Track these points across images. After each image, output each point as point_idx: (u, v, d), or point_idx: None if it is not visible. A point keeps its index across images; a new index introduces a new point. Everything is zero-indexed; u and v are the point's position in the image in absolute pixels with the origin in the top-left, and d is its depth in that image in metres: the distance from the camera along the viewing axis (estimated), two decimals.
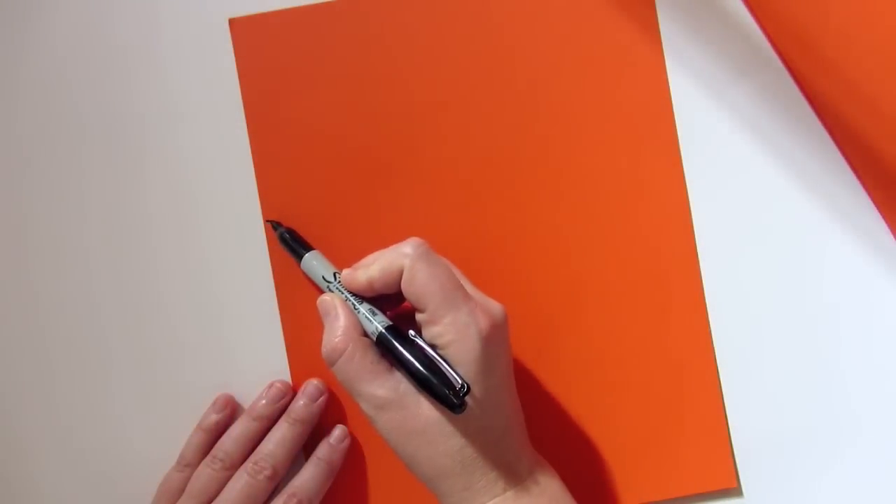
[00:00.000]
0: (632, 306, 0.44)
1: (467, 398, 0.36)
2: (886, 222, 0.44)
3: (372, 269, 0.38)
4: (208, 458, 0.42)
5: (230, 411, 0.43)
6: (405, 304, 0.39)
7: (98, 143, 0.44)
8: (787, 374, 0.44)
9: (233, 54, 0.44)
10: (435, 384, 0.36)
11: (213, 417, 0.43)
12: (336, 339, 0.38)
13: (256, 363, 0.44)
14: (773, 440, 0.44)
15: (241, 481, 0.41)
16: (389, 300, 0.40)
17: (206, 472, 0.42)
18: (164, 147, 0.44)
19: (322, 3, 0.44)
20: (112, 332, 0.44)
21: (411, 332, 0.38)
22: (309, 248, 0.43)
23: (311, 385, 0.43)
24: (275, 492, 0.42)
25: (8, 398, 0.44)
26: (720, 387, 0.44)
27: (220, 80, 0.44)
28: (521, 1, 0.44)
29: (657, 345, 0.44)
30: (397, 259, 0.37)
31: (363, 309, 0.39)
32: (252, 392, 0.44)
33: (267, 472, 0.41)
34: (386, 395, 0.37)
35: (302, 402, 0.43)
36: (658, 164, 0.44)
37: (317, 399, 0.43)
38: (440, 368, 0.36)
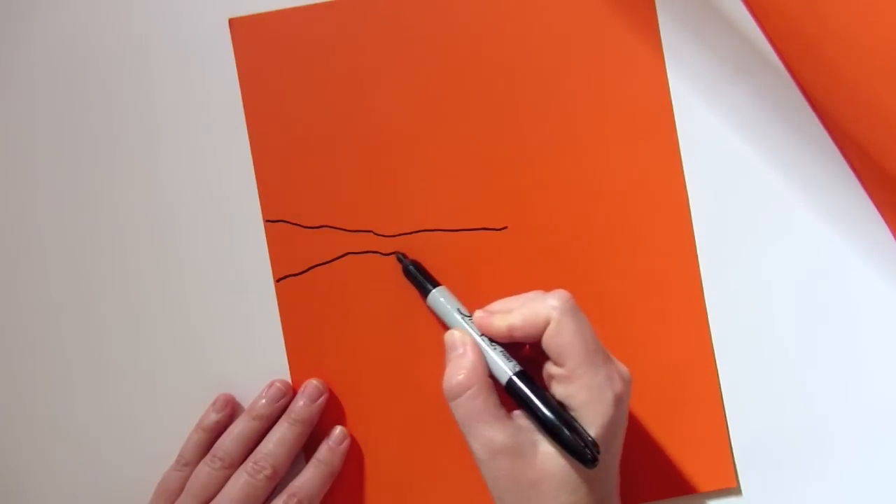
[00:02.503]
0: (632, 306, 0.44)
1: (599, 456, 0.36)
2: (886, 222, 0.44)
3: (513, 316, 0.38)
4: (208, 457, 0.42)
5: (230, 411, 0.44)
6: (524, 352, 0.39)
7: (98, 143, 0.44)
8: (786, 374, 0.44)
9: (233, 54, 0.44)
10: (568, 435, 0.36)
11: (213, 417, 0.43)
12: (461, 376, 0.38)
13: (256, 363, 0.44)
14: (773, 440, 0.44)
15: (240, 480, 0.41)
16: (514, 348, 0.39)
17: (205, 471, 0.42)
18: (164, 147, 0.44)
19: (322, 3, 0.44)
20: (112, 332, 0.44)
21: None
22: (436, 284, 0.42)
23: (311, 385, 0.43)
24: (275, 492, 0.42)
25: (8, 397, 0.44)
26: (720, 387, 0.44)
27: (220, 80, 0.44)
28: (521, 1, 0.44)
29: (657, 345, 0.44)
30: (544, 310, 0.37)
31: (496, 350, 0.39)
32: (252, 392, 0.44)
33: (266, 472, 0.41)
34: (504, 441, 0.37)
35: (302, 402, 0.43)
36: (658, 164, 0.44)
37: (317, 399, 0.43)
38: (572, 422, 0.36)
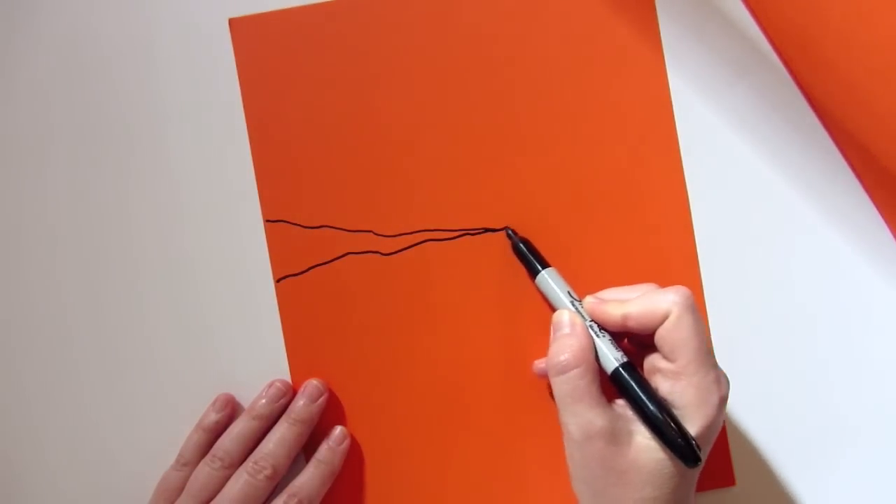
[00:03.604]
0: None
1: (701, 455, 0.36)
2: (886, 222, 0.44)
3: (631, 305, 0.38)
4: (208, 457, 0.42)
5: (230, 411, 0.44)
6: (623, 345, 0.39)
7: (98, 143, 0.44)
8: (785, 373, 0.44)
9: (233, 54, 0.44)
10: (672, 430, 0.36)
11: (213, 417, 0.43)
12: (569, 353, 0.37)
13: (256, 363, 0.44)
14: (773, 440, 0.44)
15: (240, 480, 0.41)
16: (614, 336, 0.39)
17: (205, 471, 0.42)
18: (164, 147, 0.44)
19: (322, 3, 0.44)
20: (111, 332, 0.44)
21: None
22: (546, 264, 0.42)
23: (311, 385, 0.43)
24: (275, 492, 0.42)
25: (8, 397, 0.44)
26: None
27: (220, 80, 0.44)
28: (521, 1, 0.44)
29: None
30: (664, 303, 0.37)
31: (605, 338, 0.39)
32: (252, 392, 0.44)
33: (267, 472, 0.41)
34: (604, 425, 0.36)
35: (302, 402, 0.43)
36: (658, 164, 0.44)
37: (317, 399, 0.43)
38: (676, 418, 0.36)
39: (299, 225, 0.44)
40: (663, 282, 0.43)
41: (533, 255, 0.43)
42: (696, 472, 0.38)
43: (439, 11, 0.44)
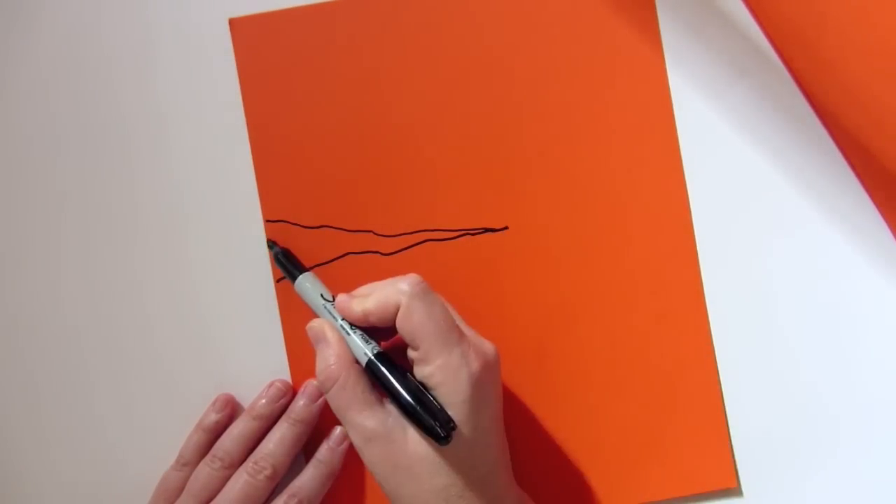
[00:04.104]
0: (632, 306, 0.44)
1: (454, 433, 0.36)
2: (886, 222, 0.44)
3: (368, 301, 0.39)
4: (208, 457, 0.42)
5: (230, 411, 0.44)
6: (398, 336, 0.39)
7: (97, 144, 0.44)
8: (786, 374, 0.44)
9: (233, 54, 0.44)
10: (421, 414, 0.36)
11: (213, 417, 0.43)
12: (330, 366, 0.38)
13: (256, 363, 0.44)
14: (773, 440, 0.44)
15: (240, 480, 0.41)
16: (384, 332, 0.40)
17: (205, 471, 0.42)
18: (164, 147, 0.44)
19: (322, 3, 0.44)
20: (112, 332, 0.44)
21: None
22: (303, 270, 0.43)
23: (311, 385, 0.43)
24: (275, 492, 0.42)
25: (7, 397, 0.44)
26: (720, 387, 0.44)
27: (220, 80, 0.44)
28: (521, 1, 0.44)
29: (657, 345, 0.44)
30: (394, 295, 0.38)
31: (355, 334, 0.39)
32: (252, 392, 0.44)
33: (267, 472, 0.41)
34: (374, 428, 0.37)
35: (302, 403, 0.43)
36: (658, 164, 0.44)
37: (317, 399, 0.43)
38: (427, 401, 0.37)
39: (299, 225, 0.44)
40: (663, 281, 0.43)
41: (291, 263, 0.43)
42: (488, 449, 0.38)
43: (439, 11, 0.44)
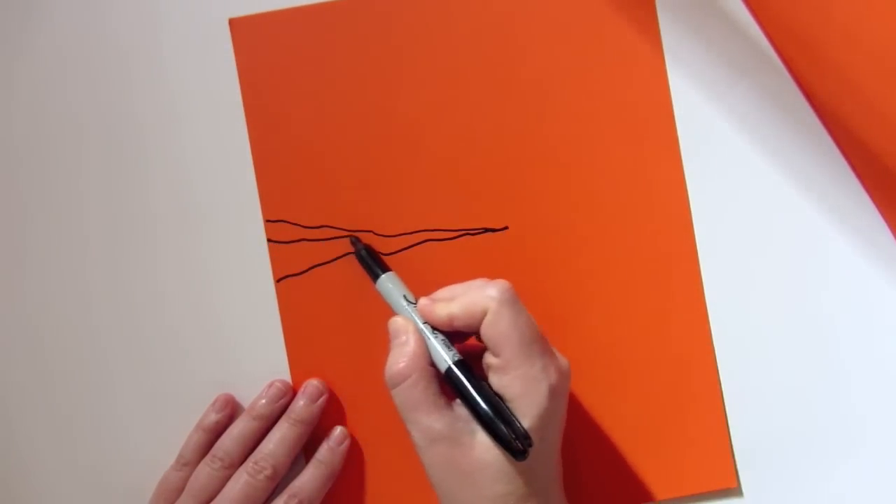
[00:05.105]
0: (632, 306, 0.44)
1: (530, 449, 0.36)
2: (886, 222, 0.44)
3: (454, 305, 0.38)
4: (208, 457, 0.42)
5: (230, 411, 0.43)
6: (470, 340, 0.39)
7: (97, 144, 0.44)
8: (786, 374, 0.44)
9: (233, 54, 0.44)
10: (500, 426, 0.36)
11: (213, 417, 0.43)
12: (402, 364, 0.38)
13: (256, 363, 0.44)
14: (773, 440, 0.44)
15: (240, 481, 0.41)
16: (458, 335, 0.39)
17: (205, 471, 0.42)
18: (164, 147, 0.44)
19: (322, 3, 0.44)
20: (112, 332, 0.44)
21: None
22: (386, 269, 0.42)
23: (311, 385, 0.43)
24: (275, 492, 0.42)
25: (7, 397, 0.44)
26: (720, 387, 0.44)
27: (220, 80, 0.44)
28: (521, 1, 0.44)
29: (657, 345, 0.44)
30: (482, 300, 0.37)
31: (438, 339, 0.39)
32: (252, 392, 0.44)
33: (267, 472, 0.41)
34: (442, 430, 0.37)
35: (302, 403, 0.43)
36: (658, 164, 0.44)
37: (317, 399, 0.43)
38: (505, 413, 0.36)
39: (299, 225, 0.44)
40: (663, 281, 0.43)
41: (374, 261, 0.43)
42: (550, 463, 0.38)
43: (439, 11, 0.44)
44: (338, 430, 0.43)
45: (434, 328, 0.39)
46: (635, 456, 0.44)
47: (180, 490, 0.42)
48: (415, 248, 0.44)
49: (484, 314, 0.37)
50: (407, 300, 0.41)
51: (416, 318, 0.40)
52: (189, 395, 0.44)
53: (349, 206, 0.44)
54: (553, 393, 0.37)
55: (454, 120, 0.44)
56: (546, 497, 0.38)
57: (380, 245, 0.44)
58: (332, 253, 0.44)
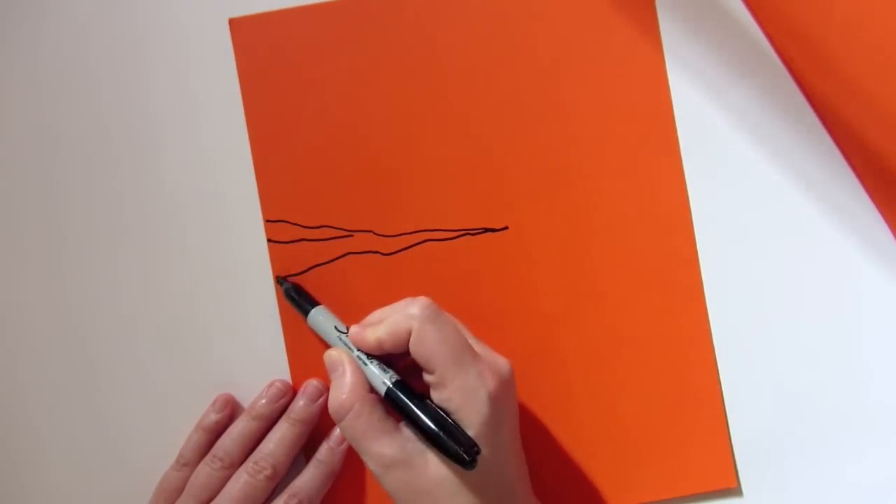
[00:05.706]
0: (632, 306, 0.44)
1: (478, 458, 0.36)
2: (886, 222, 0.44)
3: (380, 329, 0.38)
4: (208, 457, 0.42)
5: (230, 411, 0.44)
6: (409, 360, 0.39)
7: (97, 144, 0.44)
8: (787, 374, 0.44)
9: (233, 54, 0.44)
10: (445, 440, 0.36)
11: (213, 417, 0.43)
12: (343, 396, 0.38)
13: (256, 363, 0.44)
14: (773, 440, 0.44)
15: (240, 481, 0.41)
16: (398, 356, 0.39)
17: (205, 472, 0.42)
18: (164, 147, 0.44)
19: (322, 3, 0.44)
20: (112, 332, 0.44)
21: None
22: (314, 304, 0.43)
23: (311, 385, 0.43)
24: (275, 492, 0.42)
25: (8, 397, 0.44)
26: (720, 387, 0.44)
27: (220, 80, 0.44)
28: (521, 1, 0.44)
29: (657, 345, 0.44)
30: (405, 321, 0.37)
31: (373, 364, 0.39)
32: (252, 392, 0.44)
33: (267, 472, 0.41)
34: (393, 454, 0.37)
35: (302, 403, 0.43)
36: (658, 164, 0.44)
37: (317, 399, 0.43)
38: (449, 425, 0.36)
39: (299, 225, 0.44)
40: (663, 281, 0.43)
41: (302, 298, 0.43)
42: (507, 468, 0.38)
43: (439, 12, 0.44)
44: (338, 431, 0.43)
45: (368, 354, 0.39)
46: (635, 456, 0.44)
47: (180, 490, 0.42)
48: (415, 248, 0.44)
49: (409, 334, 0.37)
50: (339, 330, 0.41)
51: (352, 347, 0.40)
52: (189, 395, 0.44)
53: (349, 206, 0.44)
54: (493, 398, 0.37)
55: (454, 120, 0.44)
56: (512, 499, 0.38)
57: (380, 245, 0.44)
58: (331, 253, 0.44)
